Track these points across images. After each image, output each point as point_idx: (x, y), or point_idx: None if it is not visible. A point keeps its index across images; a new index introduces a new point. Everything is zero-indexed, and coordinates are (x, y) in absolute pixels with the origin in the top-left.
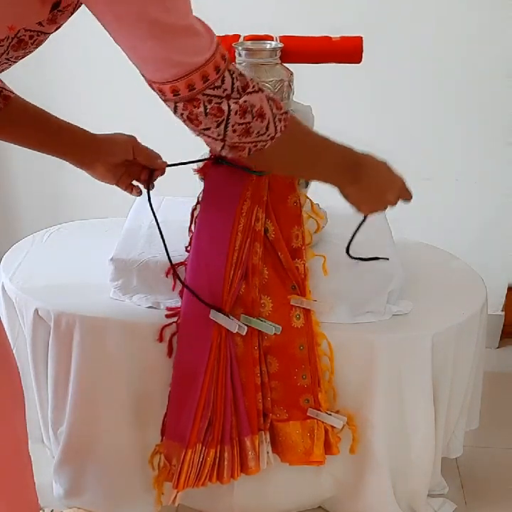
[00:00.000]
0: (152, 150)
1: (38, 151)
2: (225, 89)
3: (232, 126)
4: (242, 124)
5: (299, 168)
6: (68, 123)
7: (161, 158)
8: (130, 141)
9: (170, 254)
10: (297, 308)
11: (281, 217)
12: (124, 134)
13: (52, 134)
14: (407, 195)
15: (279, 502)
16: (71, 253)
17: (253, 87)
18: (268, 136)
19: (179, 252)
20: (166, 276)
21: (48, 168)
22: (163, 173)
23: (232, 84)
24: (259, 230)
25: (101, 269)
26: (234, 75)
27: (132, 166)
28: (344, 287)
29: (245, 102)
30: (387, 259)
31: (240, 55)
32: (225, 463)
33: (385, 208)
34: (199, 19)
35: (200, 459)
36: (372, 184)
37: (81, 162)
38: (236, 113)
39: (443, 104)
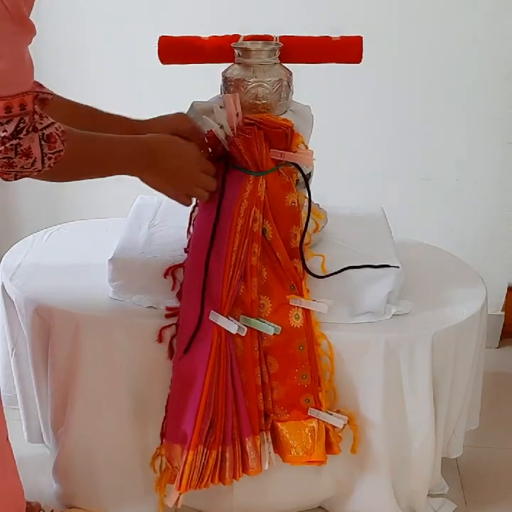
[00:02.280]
0: (199, 128)
1: None
2: (5, 130)
3: None
4: (3, 158)
5: (93, 172)
6: (114, 114)
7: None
8: (177, 120)
9: (169, 255)
10: (296, 308)
11: (279, 218)
12: (170, 115)
13: (102, 129)
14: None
15: (279, 502)
16: (71, 253)
17: (27, 130)
18: (34, 169)
19: (179, 253)
20: (165, 277)
21: None
22: None
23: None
24: (256, 231)
25: (101, 269)
26: (20, 124)
27: None
28: (344, 287)
29: (12, 144)
30: (398, 267)
31: (238, 55)
32: (227, 464)
33: (192, 189)
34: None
35: (203, 461)
36: (169, 166)
37: None
38: None
39: (443, 104)
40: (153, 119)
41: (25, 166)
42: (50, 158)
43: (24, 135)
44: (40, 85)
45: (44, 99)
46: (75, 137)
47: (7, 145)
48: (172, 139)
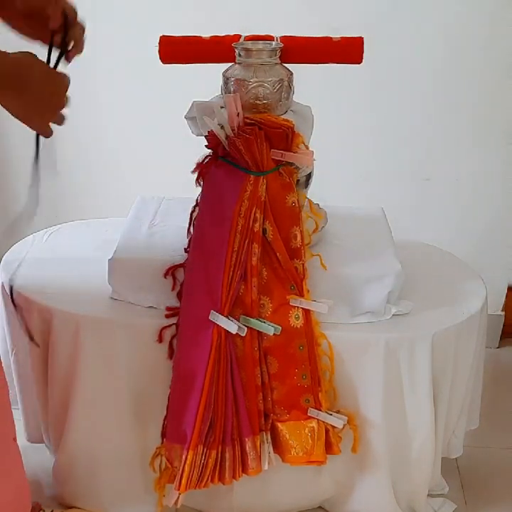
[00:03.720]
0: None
1: None
2: None
3: None
4: None
5: None
6: None
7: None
8: None
9: (170, 256)
10: (296, 308)
11: (280, 218)
12: None
13: None
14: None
15: (279, 502)
16: (71, 253)
17: None
18: None
19: (179, 253)
20: (165, 277)
21: (47, 169)
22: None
23: None
24: (257, 231)
25: (101, 269)
26: None
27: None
28: (344, 287)
29: None
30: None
31: (239, 55)
32: (227, 464)
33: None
34: None
35: (202, 461)
36: (38, 92)
37: None
38: None
39: (443, 104)
40: None
41: None
42: None
43: None
44: None
45: None
46: None
47: None
48: (42, 65)
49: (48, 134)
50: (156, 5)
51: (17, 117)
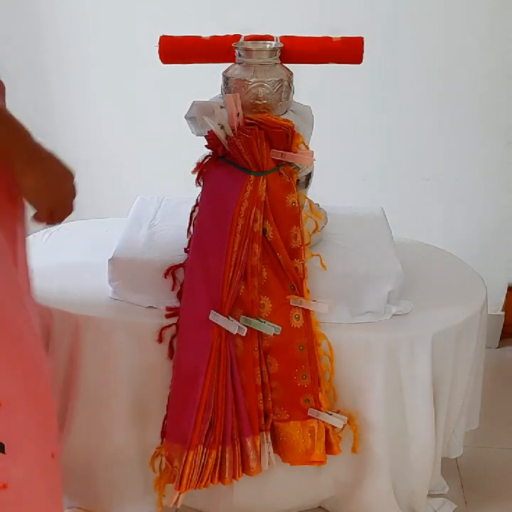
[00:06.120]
0: None
1: None
2: None
3: None
4: None
5: None
6: None
7: None
8: None
9: (170, 255)
10: (296, 308)
11: (280, 218)
12: None
13: None
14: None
15: (279, 502)
16: (71, 253)
17: None
18: None
19: (179, 253)
20: (165, 277)
21: None
22: None
23: None
24: (257, 231)
25: (101, 269)
26: None
27: None
28: (344, 287)
29: None
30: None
31: (240, 55)
32: (227, 464)
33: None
34: None
35: (202, 461)
36: (53, 171)
37: None
38: None
39: (443, 104)
40: None
41: None
42: None
43: None
44: None
45: None
46: None
47: None
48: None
49: (46, 221)
50: (156, 5)
51: (31, 193)
